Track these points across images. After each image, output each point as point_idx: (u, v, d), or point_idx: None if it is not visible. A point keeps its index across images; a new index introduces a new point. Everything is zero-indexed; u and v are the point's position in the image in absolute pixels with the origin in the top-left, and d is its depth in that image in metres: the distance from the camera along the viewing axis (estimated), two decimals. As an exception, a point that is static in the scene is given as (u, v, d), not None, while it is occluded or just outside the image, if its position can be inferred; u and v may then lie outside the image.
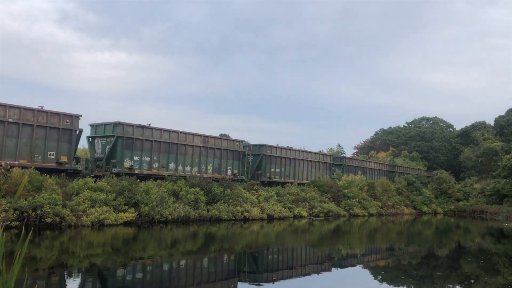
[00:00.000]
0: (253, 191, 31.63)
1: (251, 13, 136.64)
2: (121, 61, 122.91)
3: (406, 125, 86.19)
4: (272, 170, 37.18)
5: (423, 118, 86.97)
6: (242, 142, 35.31)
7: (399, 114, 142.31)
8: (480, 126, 71.87)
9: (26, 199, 18.90)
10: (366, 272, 13.67)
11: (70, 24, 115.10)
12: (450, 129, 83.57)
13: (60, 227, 19.14)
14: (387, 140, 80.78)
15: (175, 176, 28.28)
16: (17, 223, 18.08)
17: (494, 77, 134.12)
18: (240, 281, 11.34)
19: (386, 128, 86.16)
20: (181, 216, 24.30)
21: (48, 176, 21.63)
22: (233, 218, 27.25)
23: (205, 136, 31.73)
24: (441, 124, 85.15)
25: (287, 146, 39.78)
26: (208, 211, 26.28)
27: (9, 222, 17.64)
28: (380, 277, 12.69)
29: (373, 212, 39.81)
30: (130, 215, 21.85)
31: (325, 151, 53.54)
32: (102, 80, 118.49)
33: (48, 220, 18.80)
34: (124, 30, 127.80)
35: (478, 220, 39.78)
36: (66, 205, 20.09)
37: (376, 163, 54.34)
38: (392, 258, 16.40)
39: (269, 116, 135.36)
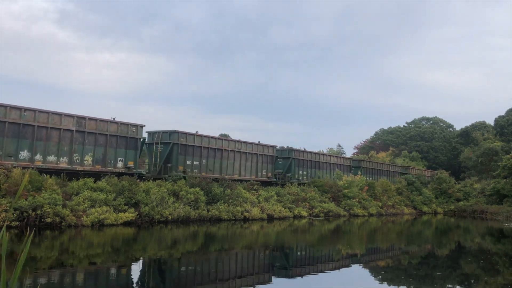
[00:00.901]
0: (253, 191, 31.64)
1: (251, 13, 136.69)
2: (121, 61, 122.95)
3: (406, 125, 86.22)
4: (188, 162, 30.51)
5: (423, 118, 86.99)
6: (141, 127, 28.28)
7: (399, 114, 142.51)
8: (480, 126, 71.89)
9: (26, 199, 18.90)
10: (366, 272, 13.68)
11: (70, 24, 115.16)
12: (450, 129, 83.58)
13: (60, 227, 19.15)
14: (387, 140, 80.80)
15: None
16: (17, 223, 18.09)
17: (494, 77, 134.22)
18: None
19: (386, 128, 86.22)
20: (181, 216, 24.31)
21: (49, 176, 21.64)
22: (233, 218, 27.27)
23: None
24: (441, 124, 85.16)
25: (211, 135, 33.74)
26: (208, 211, 26.29)
27: (9, 222, 17.64)
28: (380, 277, 12.69)
29: (373, 212, 39.82)
30: (130, 215, 21.85)
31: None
32: (102, 80, 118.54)
33: (48, 220, 18.80)
34: (124, 30, 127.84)
35: (478, 220, 39.78)
36: (66, 205, 20.10)
37: (337, 157, 48.79)
38: (392, 258, 16.41)
39: (269, 116, 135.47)
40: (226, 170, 32.91)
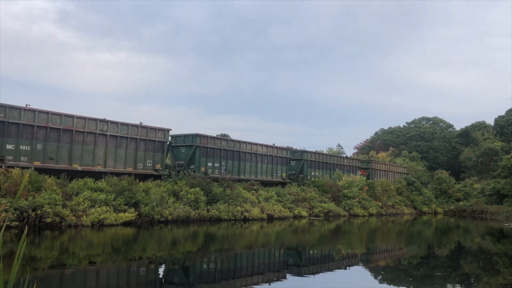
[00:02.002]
0: (253, 191, 31.66)
1: (251, 13, 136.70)
2: (121, 61, 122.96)
3: (406, 125, 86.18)
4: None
5: (423, 118, 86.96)
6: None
7: (399, 114, 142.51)
8: (480, 126, 71.85)
9: (26, 199, 18.90)
10: (366, 272, 13.67)
11: (70, 24, 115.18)
12: (450, 129, 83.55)
13: (60, 227, 19.15)
14: (387, 140, 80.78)
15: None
16: (17, 223, 18.09)
17: (494, 77, 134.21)
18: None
19: (386, 128, 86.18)
20: (181, 216, 24.31)
21: (48, 176, 21.64)
22: (233, 218, 27.27)
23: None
24: (441, 124, 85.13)
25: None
26: (208, 211, 26.30)
27: (9, 222, 17.65)
28: (380, 277, 12.69)
29: (373, 212, 39.82)
30: (130, 215, 21.85)
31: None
32: (102, 80, 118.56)
33: (48, 220, 18.80)
34: (124, 30, 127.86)
35: (478, 220, 39.77)
36: (66, 205, 20.10)
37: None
38: (392, 258, 16.40)
39: (269, 116, 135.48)
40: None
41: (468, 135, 70.85)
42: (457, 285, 11.93)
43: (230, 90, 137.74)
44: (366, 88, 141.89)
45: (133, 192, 23.07)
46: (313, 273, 12.72)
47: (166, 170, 29.80)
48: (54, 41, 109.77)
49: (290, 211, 32.11)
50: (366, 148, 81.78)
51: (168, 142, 29.58)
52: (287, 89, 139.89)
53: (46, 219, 18.79)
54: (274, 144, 37.94)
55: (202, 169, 31.00)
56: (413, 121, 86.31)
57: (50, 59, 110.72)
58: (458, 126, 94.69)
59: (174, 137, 31.81)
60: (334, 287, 11.06)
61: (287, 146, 40.92)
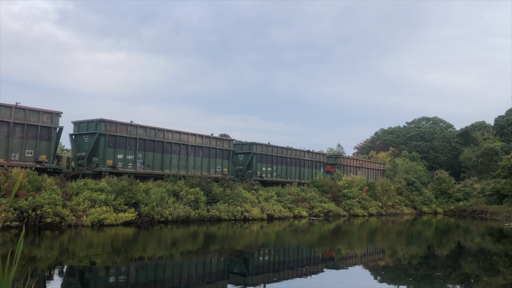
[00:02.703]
0: (253, 191, 31.66)
1: (251, 13, 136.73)
2: (121, 61, 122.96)
3: (406, 125, 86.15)
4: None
5: (423, 118, 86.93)
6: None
7: (399, 114, 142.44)
8: (480, 126, 71.84)
9: (26, 199, 18.91)
10: (366, 272, 13.67)
11: (70, 24, 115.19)
12: (450, 129, 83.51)
13: (60, 227, 19.15)
14: (387, 140, 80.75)
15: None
16: (17, 223, 18.09)
17: (494, 77, 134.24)
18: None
19: (386, 128, 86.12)
20: (181, 216, 24.31)
21: (47, 177, 21.64)
22: (233, 218, 27.27)
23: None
24: (441, 124, 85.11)
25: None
26: (208, 211, 26.30)
27: (9, 222, 17.66)
28: (380, 277, 12.68)
29: (373, 212, 39.82)
30: (130, 215, 21.86)
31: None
32: (102, 80, 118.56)
33: (48, 220, 18.81)
34: (124, 30, 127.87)
35: (478, 220, 39.77)
36: (66, 205, 20.11)
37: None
38: (392, 258, 16.40)
39: (269, 116, 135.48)
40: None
41: (468, 135, 70.84)
42: (457, 285, 11.93)
43: (230, 90, 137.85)
44: (366, 88, 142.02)
45: (133, 192, 23.08)
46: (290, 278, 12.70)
47: (60, 163, 25.26)
48: (54, 41, 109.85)
49: (290, 211, 32.11)
50: (366, 148, 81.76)
51: (58, 128, 23.97)
52: (287, 89, 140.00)
53: (46, 219, 18.80)
54: (212, 134, 33.51)
55: (109, 162, 25.82)
56: (413, 121, 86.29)
57: (50, 59, 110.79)
58: (458, 126, 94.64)
59: (77, 123, 27.00)
60: (334, 287, 11.06)
61: (232, 138, 38.19)
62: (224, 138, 35.07)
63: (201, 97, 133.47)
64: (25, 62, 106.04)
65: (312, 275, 12.50)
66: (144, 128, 28.23)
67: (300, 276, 12.30)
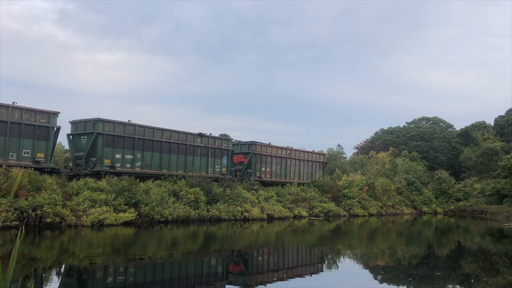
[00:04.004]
0: (253, 191, 31.66)
1: (251, 13, 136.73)
2: (121, 61, 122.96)
3: (406, 125, 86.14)
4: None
5: (423, 118, 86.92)
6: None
7: (399, 114, 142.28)
8: (480, 126, 71.82)
9: (26, 199, 18.91)
10: (366, 272, 13.67)
11: (70, 24, 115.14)
12: (450, 129, 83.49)
13: (60, 227, 19.15)
14: (387, 140, 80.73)
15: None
16: (17, 223, 18.09)
17: (494, 77, 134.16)
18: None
19: (386, 128, 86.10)
20: (181, 216, 24.31)
21: (48, 177, 21.64)
22: (233, 218, 27.27)
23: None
24: (441, 124, 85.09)
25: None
26: (208, 211, 26.30)
27: (9, 222, 17.66)
28: (380, 277, 12.68)
29: (373, 212, 39.81)
30: (130, 215, 21.86)
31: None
32: (102, 80, 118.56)
33: (48, 220, 18.80)
34: (124, 30, 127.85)
35: (478, 220, 39.76)
36: (66, 205, 20.11)
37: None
38: (392, 258, 16.40)
39: (269, 116, 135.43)
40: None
41: (468, 135, 70.83)
42: (457, 285, 11.93)
43: (230, 90, 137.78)
44: (366, 88, 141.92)
45: (133, 192, 23.08)
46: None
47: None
48: (54, 41, 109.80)
49: (290, 211, 32.11)
50: (366, 148, 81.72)
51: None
52: (287, 89, 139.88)
53: (46, 219, 18.80)
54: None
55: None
56: (413, 121, 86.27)
57: (50, 59, 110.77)
58: (458, 126, 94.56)
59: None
60: (334, 287, 11.06)
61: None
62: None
63: (201, 97, 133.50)
64: (25, 62, 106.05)
65: (312, 275, 12.50)
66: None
67: (300, 276, 12.30)
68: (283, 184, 36.70)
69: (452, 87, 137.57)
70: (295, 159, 39.88)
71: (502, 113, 67.75)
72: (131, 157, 27.11)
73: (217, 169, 32.61)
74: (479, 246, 20.97)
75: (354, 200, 38.99)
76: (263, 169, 36.14)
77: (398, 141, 79.49)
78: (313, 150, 42.34)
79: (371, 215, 39.24)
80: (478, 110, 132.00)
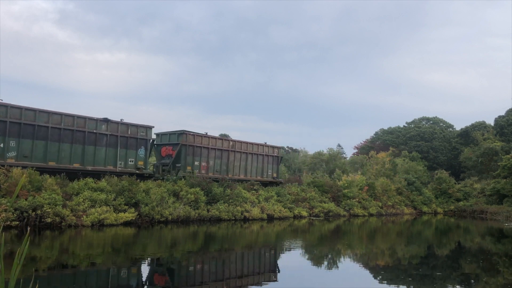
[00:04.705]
0: (253, 191, 31.66)
1: (251, 13, 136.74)
2: (121, 61, 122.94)
3: (406, 125, 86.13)
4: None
5: (423, 118, 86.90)
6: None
7: (399, 114, 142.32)
8: (480, 126, 71.82)
9: (26, 199, 18.91)
10: (366, 272, 13.68)
11: (70, 24, 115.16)
12: (450, 129, 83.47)
13: (60, 227, 19.15)
14: (387, 140, 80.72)
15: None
16: (17, 223, 18.09)
17: (494, 77, 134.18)
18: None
19: (386, 128, 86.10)
20: (181, 216, 24.32)
21: (48, 177, 21.61)
22: (233, 218, 27.27)
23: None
24: (441, 124, 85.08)
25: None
26: (208, 211, 26.31)
27: (9, 222, 17.66)
28: (380, 277, 12.69)
29: (373, 212, 39.81)
30: (130, 215, 21.86)
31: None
32: (102, 80, 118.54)
33: (48, 220, 18.81)
34: (124, 30, 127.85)
35: (478, 220, 39.77)
36: (66, 205, 20.11)
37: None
38: (392, 258, 16.40)
39: (269, 116, 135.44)
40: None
41: (468, 135, 70.83)
42: (457, 285, 11.94)
43: (230, 90, 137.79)
44: (366, 88, 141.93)
45: (133, 192, 23.08)
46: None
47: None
48: (54, 41, 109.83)
49: (290, 211, 32.11)
50: (366, 148, 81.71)
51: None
52: (287, 89, 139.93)
53: (46, 219, 18.80)
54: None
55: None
56: (413, 121, 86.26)
57: (50, 59, 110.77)
58: (458, 126, 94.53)
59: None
60: (334, 287, 11.06)
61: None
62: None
63: (201, 97, 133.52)
64: (25, 62, 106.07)
65: (312, 275, 12.49)
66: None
67: (300, 276, 12.30)
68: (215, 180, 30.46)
69: (452, 87, 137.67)
70: (240, 152, 33.91)
71: (502, 113, 67.75)
72: (1, 145, 21.69)
73: (131, 163, 27.11)
74: (479, 246, 20.98)
75: (354, 200, 38.99)
76: (196, 163, 30.35)
77: (398, 141, 79.48)
78: (265, 143, 36.45)
79: (371, 215, 39.24)
80: (478, 110, 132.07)
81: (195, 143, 30.57)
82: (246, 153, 34.67)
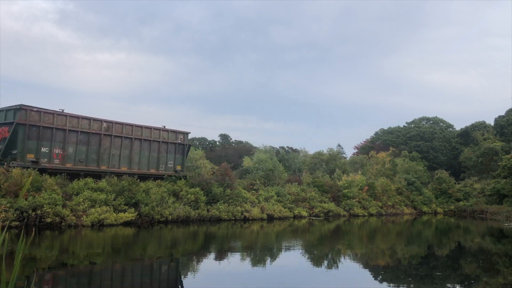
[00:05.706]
0: (253, 191, 31.66)
1: (251, 13, 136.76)
2: (121, 61, 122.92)
3: (406, 125, 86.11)
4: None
5: (423, 118, 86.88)
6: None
7: (399, 114, 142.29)
8: (480, 126, 71.81)
9: (26, 199, 18.91)
10: (366, 272, 13.67)
11: (70, 24, 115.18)
12: (450, 129, 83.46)
13: (60, 227, 19.15)
14: (387, 140, 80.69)
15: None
16: (17, 223, 18.09)
17: (494, 77, 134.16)
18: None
19: (386, 128, 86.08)
20: (181, 216, 24.31)
21: (48, 177, 21.63)
22: (233, 218, 27.26)
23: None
24: (441, 124, 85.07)
25: None
26: (208, 211, 26.30)
27: (9, 222, 17.64)
28: (380, 277, 12.68)
29: (373, 212, 39.80)
30: (130, 215, 21.86)
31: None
32: (102, 80, 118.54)
33: (48, 220, 18.81)
34: (124, 30, 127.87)
35: (478, 220, 39.76)
36: (66, 205, 20.11)
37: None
38: (392, 258, 16.40)
39: (269, 116, 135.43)
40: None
41: (468, 135, 70.81)
42: (457, 285, 11.93)
43: (230, 90, 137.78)
44: (366, 88, 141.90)
45: (133, 192, 23.07)
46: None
47: None
48: (54, 41, 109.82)
49: (290, 211, 32.11)
50: (366, 148, 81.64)
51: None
52: (287, 89, 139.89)
53: (46, 219, 18.80)
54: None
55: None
56: (413, 121, 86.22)
57: (50, 59, 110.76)
58: (458, 126, 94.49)
59: None
60: (334, 287, 11.06)
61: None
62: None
63: (201, 97, 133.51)
64: (25, 62, 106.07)
65: (312, 275, 12.49)
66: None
67: (301, 276, 12.29)
68: (96, 175, 24.40)
69: (452, 87, 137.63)
70: (120, 137, 26.13)
71: (502, 113, 67.76)
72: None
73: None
74: (479, 246, 20.97)
75: (354, 200, 38.98)
76: (44, 149, 22.53)
77: (398, 141, 79.46)
78: (164, 126, 28.94)
79: (371, 215, 39.22)
80: (478, 110, 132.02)
81: (42, 123, 22.49)
82: (131, 138, 26.75)
